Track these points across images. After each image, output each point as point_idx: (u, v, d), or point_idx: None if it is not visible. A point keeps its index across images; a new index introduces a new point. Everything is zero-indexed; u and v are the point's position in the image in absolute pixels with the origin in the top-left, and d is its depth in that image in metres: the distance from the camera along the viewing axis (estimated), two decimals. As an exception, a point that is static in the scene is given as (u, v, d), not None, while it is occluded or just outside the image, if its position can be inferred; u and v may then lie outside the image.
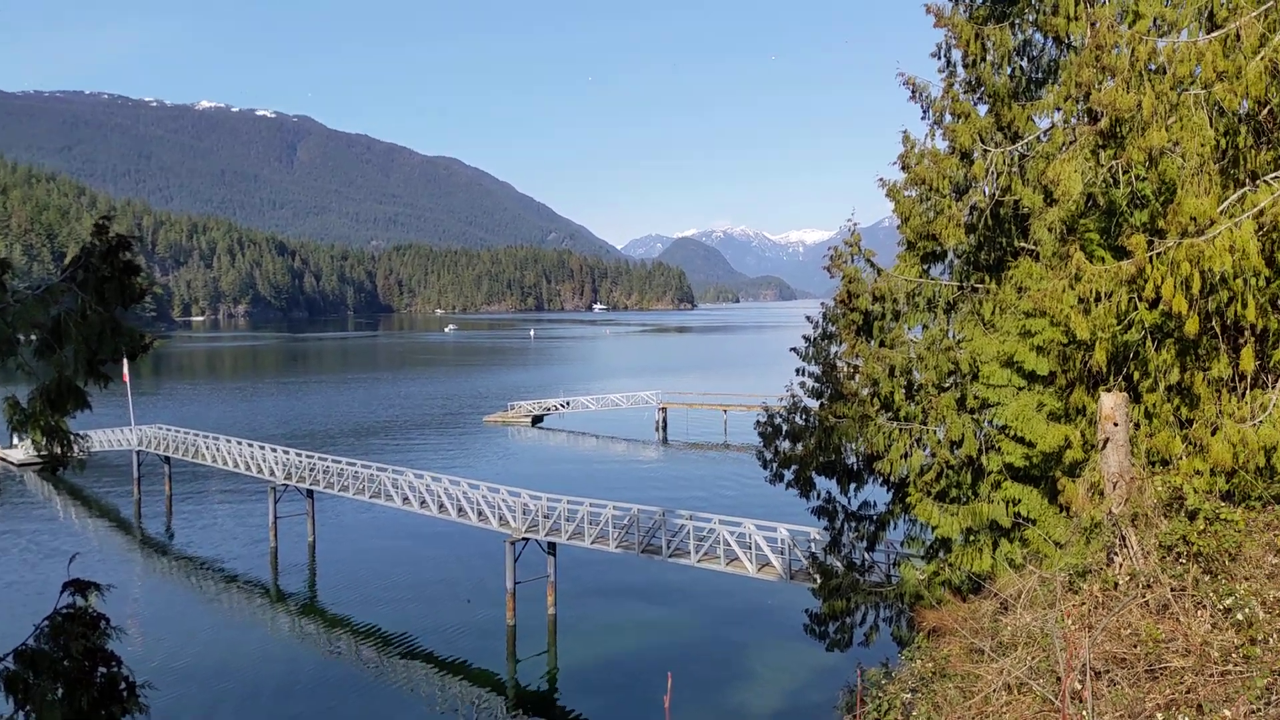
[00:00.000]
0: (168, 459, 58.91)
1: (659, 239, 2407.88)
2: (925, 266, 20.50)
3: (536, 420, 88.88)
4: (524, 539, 37.52)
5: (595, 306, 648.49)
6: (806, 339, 22.37)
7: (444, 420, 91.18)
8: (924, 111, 19.07)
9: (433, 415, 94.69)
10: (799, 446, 21.31)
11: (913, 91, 19.03)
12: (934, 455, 18.46)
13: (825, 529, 22.29)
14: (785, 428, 21.65)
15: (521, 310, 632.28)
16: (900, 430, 18.93)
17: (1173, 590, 10.93)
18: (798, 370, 22.30)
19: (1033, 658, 10.69)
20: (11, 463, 67.12)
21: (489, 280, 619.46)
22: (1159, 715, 9.15)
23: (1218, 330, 13.86)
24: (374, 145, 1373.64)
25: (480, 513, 39.98)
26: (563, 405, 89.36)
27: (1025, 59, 18.70)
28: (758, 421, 22.20)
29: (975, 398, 18.09)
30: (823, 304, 22.51)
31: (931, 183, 18.94)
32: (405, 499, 43.06)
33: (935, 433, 18.61)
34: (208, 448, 55.50)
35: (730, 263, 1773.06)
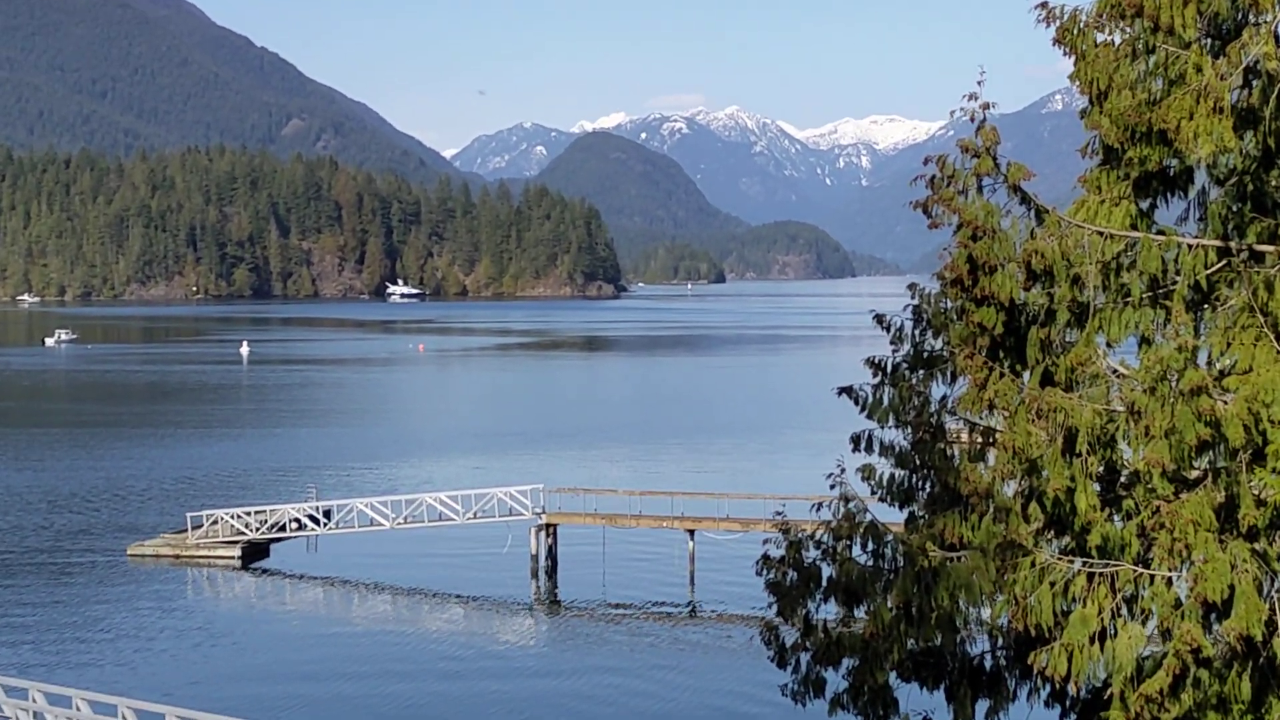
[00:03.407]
0: None
1: (539, 136, 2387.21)
2: (1145, 204, 20.59)
3: (254, 553, 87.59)
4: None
5: (394, 288, 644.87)
6: (876, 366, 22.30)
7: (42, 555, 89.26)
8: None
9: (14, 544, 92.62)
10: (860, 614, 21.17)
11: None
12: (1168, 636, 18.48)
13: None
14: (828, 570, 21.53)
15: (224, 294, 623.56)
16: (1092, 578, 18.91)
17: None
18: (855, 439, 22.17)
19: None
20: None
21: (145, 225, 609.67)
22: None
23: None
24: None
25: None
26: (314, 518, 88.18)
27: None
28: (765, 558, 22.06)
29: (1260, 503, 18.08)
30: (913, 287, 22.47)
31: (1158, 14, 19.08)
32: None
33: (1168, 584, 18.62)
34: None
35: (704, 191, 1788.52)
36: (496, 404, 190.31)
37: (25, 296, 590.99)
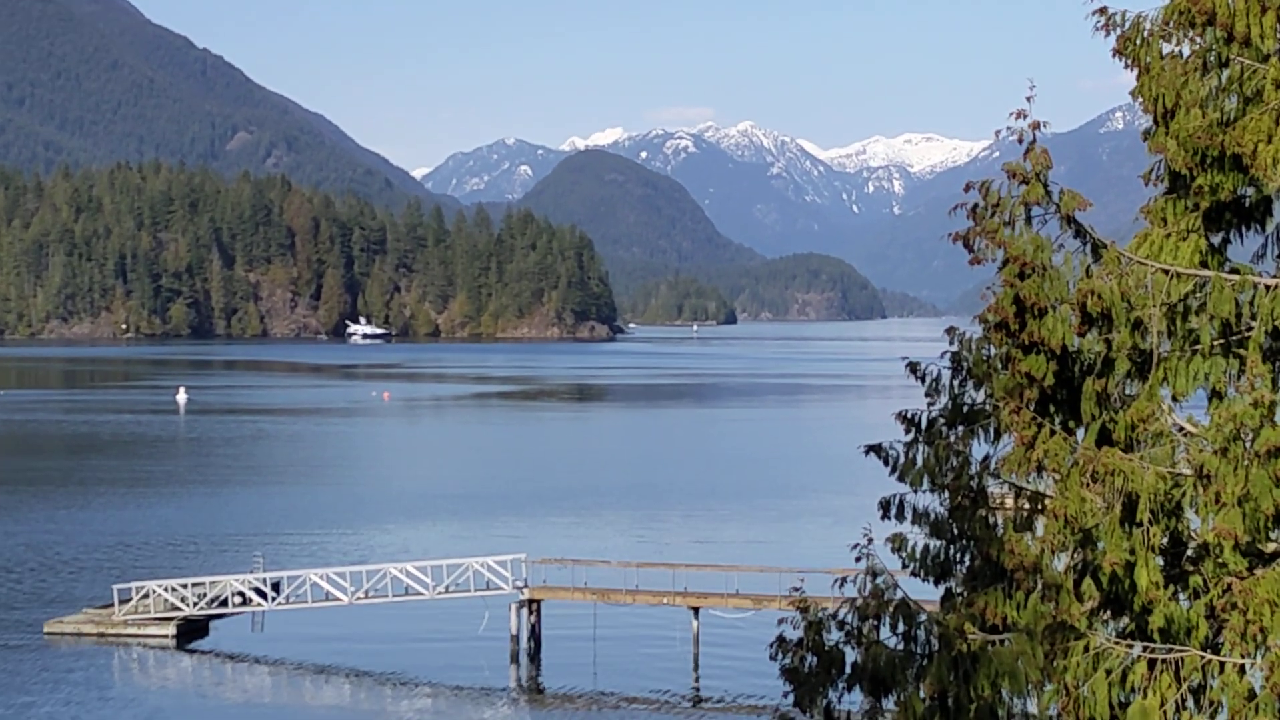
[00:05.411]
0: None
1: (524, 153, 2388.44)
2: (1216, 238, 20.61)
3: (190, 631, 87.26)
4: None
5: (355, 327, 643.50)
6: (909, 421, 22.30)
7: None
8: None
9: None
10: (889, 705, 21.13)
11: None
12: (1239, 732, 18.43)
13: None
14: (853, 655, 21.50)
15: (158, 332, 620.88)
16: (1154, 665, 18.90)
17: None
18: (885, 504, 22.15)
19: None
20: None
21: (68, 252, 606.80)
22: None
23: None
24: None
25: None
26: (260, 591, 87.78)
27: None
28: (780, 640, 22.05)
29: (1346, 581, 18.03)
30: (951, 331, 22.52)
31: (1232, 23, 19.16)
32: None
33: (1240, 672, 18.61)
34: None
35: (713, 218, 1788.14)
36: (473, 462, 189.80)
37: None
